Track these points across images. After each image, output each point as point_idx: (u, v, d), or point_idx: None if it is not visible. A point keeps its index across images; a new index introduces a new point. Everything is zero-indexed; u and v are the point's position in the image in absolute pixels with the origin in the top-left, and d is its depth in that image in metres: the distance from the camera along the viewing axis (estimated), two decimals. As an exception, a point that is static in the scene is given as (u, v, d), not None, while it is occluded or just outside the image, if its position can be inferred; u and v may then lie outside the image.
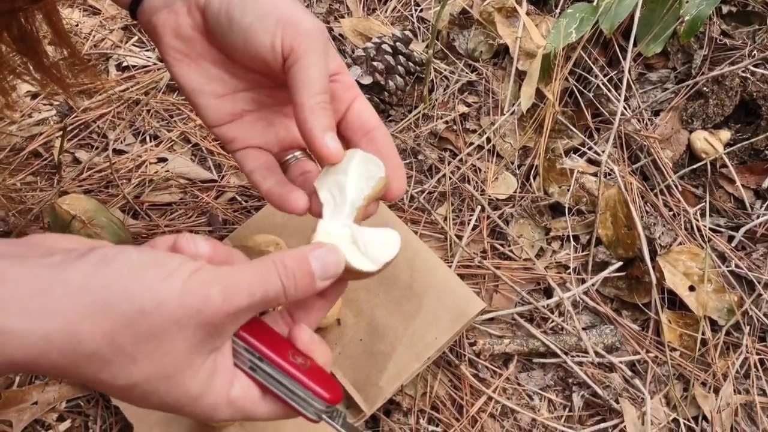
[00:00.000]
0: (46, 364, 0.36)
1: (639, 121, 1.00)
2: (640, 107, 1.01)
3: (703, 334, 0.84)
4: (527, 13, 1.07)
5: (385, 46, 1.06)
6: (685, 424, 0.80)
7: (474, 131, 1.03)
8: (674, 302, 0.88)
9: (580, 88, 1.03)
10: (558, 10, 1.09)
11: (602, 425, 0.80)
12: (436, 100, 1.06)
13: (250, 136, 0.56)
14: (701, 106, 1.00)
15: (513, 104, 1.02)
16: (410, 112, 1.06)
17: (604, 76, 1.02)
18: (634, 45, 1.00)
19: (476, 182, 0.97)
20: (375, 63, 1.04)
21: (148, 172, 0.96)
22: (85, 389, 0.76)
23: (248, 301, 0.40)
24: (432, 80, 1.07)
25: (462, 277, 0.86)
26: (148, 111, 1.03)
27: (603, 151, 0.94)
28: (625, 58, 1.00)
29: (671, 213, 0.94)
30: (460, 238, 0.92)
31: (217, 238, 0.89)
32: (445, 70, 1.09)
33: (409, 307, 0.78)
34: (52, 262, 0.38)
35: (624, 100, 0.97)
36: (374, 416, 0.78)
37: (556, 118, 0.99)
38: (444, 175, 0.98)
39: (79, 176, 0.94)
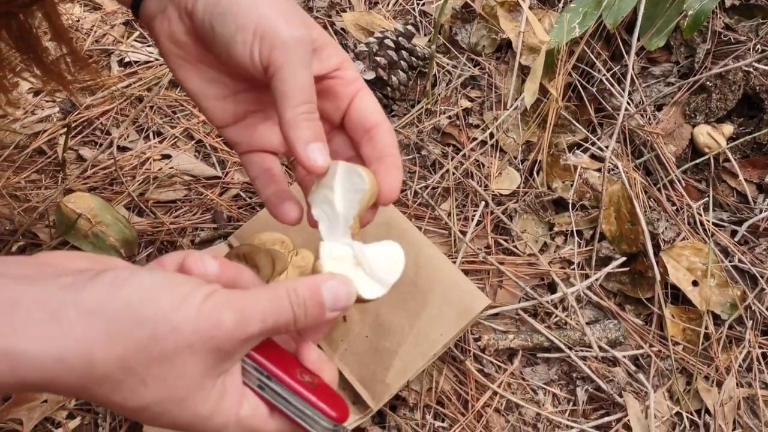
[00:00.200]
0: (59, 385, 0.37)
1: (642, 116, 1.00)
2: (643, 102, 1.01)
3: (706, 328, 0.85)
4: (530, 8, 1.07)
5: (387, 41, 1.06)
6: (688, 417, 0.81)
7: (477, 126, 1.03)
8: (677, 297, 0.89)
9: (583, 82, 1.03)
10: (561, 5, 1.09)
11: (606, 419, 0.81)
12: (439, 95, 1.06)
13: (254, 139, 0.56)
14: (704, 100, 1.00)
15: (516, 99, 1.02)
16: (413, 107, 1.06)
17: (608, 71, 1.02)
18: (637, 40, 1.00)
19: (480, 178, 0.97)
20: (378, 58, 1.04)
21: (152, 169, 0.96)
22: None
23: (260, 327, 0.41)
24: (434, 75, 1.07)
25: (466, 272, 0.87)
26: (151, 107, 1.03)
27: (607, 147, 0.94)
28: (628, 53, 1.00)
29: (674, 208, 0.94)
30: (464, 233, 0.92)
31: (222, 234, 0.89)
32: (447, 64, 1.09)
33: (415, 303, 0.79)
34: (64, 283, 0.38)
35: (627, 95, 0.97)
36: (380, 411, 0.78)
37: (559, 114, 0.99)
38: (447, 171, 0.98)
39: (83, 174, 0.94)
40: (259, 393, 0.44)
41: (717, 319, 0.87)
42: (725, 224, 0.94)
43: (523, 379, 0.84)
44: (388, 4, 1.19)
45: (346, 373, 0.77)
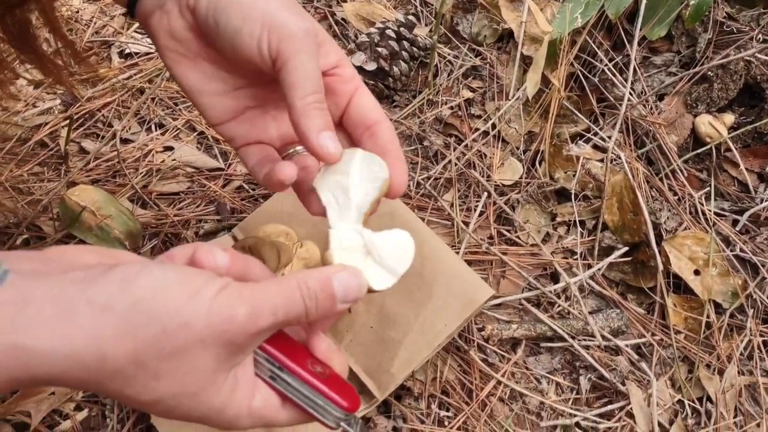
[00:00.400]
0: (70, 380, 0.37)
1: (644, 106, 1.00)
2: (645, 92, 1.01)
3: (707, 317, 0.86)
4: (532, -3, 1.07)
5: (389, 32, 1.05)
6: (690, 405, 0.82)
7: (479, 117, 1.03)
8: (679, 286, 0.89)
9: (585, 72, 1.03)
10: (562, -6, 1.09)
11: (609, 407, 0.81)
12: (441, 85, 1.06)
13: (251, 132, 0.55)
14: (705, 90, 1.00)
15: (518, 89, 1.03)
16: (414, 97, 1.06)
17: (609, 60, 1.02)
18: (639, 29, 1.00)
19: (482, 168, 0.98)
20: (379, 49, 1.04)
21: (154, 161, 0.96)
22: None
23: (272, 321, 0.41)
24: (436, 65, 1.07)
25: (469, 263, 0.87)
26: (153, 99, 1.03)
27: (609, 137, 0.95)
28: (629, 43, 1.00)
29: (676, 198, 0.94)
30: (467, 224, 0.93)
31: (225, 226, 0.90)
32: (448, 54, 1.09)
33: (419, 294, 0.79)
34: (74, 279, 0.38)
35: (630, 85, 0.97)
36: (386, 401, 0.79)
37: (561, 104, 0.99)
38: (450, 161, 0.98)
39: (86, 166, 0.94)
40: (271, 384, 0.45)
41: (718, 308, 0.88)
42: (726, 214, 0.95)
43: (527, 368, 0.84)
44: (388, -6, 1.19)
45: (352, 364, 0.77)
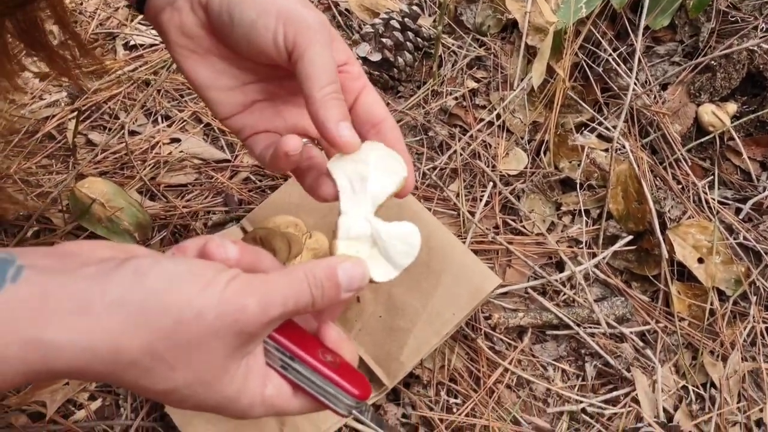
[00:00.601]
0: (88, 373, 0.38)
1: (648, 96, 1.01)
2: (649, 82, 1.01)
3: (711, 304, 0.87)
4: (535, -13, 1.07)
5: (393, 22, 1.06)
6: (694, 391, 0.83)
7: (483, 107, 1.04)
8: (683, 274, 0.90)
9: (589, 62, 1.04)
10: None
11: (614, 394, 0.83)
12: (445, 75, 1.06)
13: (259, 123, 0.56)
14: (709, 79, 1.01)
15: (522, 80, 1.03)
16: (419, 88, 1.06)
17: (614, 50, 1.03)
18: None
19: (487, 158, 0.98)
20: (384, 39, 1.04)
21: (162, 153, 0.97)
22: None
23: (281, 310, 0.42)
24: (440, 56, 1.08)
25: (475, 252, 0.88)
26: (158, 91, 1.03)
27: (614, 127, 0.95)
28: (633, 32, 1.00)
29: (680, 186, 0.95)
30: (472, 214, 0.93)
31: (233, 218, 0.90)
32: (452, 45, 1.10)
33: (427, 284, 0.80)
34: (88, 274, 0.39)
35: (635, 75, 0.98)
36: (395, 389, 0.80)
37: (565, 94, 1.00)
38: (455, 152, 0.99)
39: (94, 159, 0.94)
40: (282, 373, 0.45)
41: (722, 295, 0.89)
42: (729, 202, 0.96)
43: (533, 355, 0.85)
44: (392, -15, 1.19)
45: (361, 353, 0.78)
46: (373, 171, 0.50)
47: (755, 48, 0.98)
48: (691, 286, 0.89)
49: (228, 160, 0.97)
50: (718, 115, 0.99)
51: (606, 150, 0.96)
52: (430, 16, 1.15)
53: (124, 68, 1.05)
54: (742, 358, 0.85)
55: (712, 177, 0.97)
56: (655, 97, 1.01)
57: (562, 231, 0.94)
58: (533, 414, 0.82)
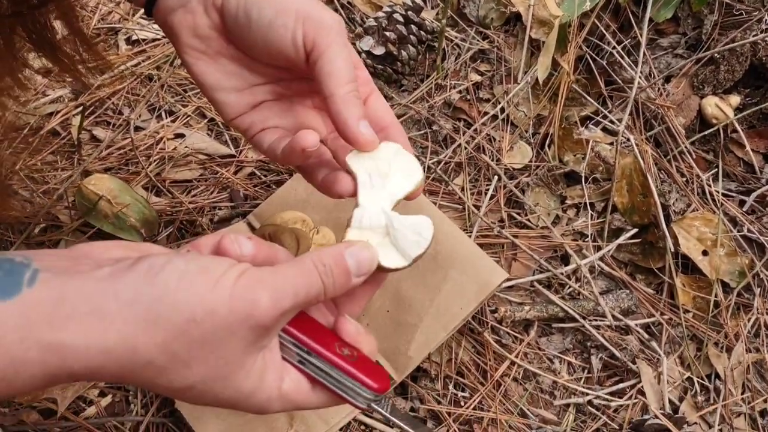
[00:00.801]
0: (105, 373, 0.38)
1: (653, 89, 1.01)
2: (653, 75, 1.02)
3: (715, 296, 0.87)
4: (539, -20, 1.07)
5: (396, 16, 1.05)
6: (699, 382, 0.84)
7: (487, 100, 1.04)
8: (687, 266, 0.91)
9: (593, 55, 1.04)
10: (570, -24, 1.08)
11: (620, 385, 0.84)
12: (449, 69, 1.06)
13: (267, 119, 0.56)
14: (712, 72, 1.01)
15: (526, 73, 1.03)
16: (422, 81, 1.06)
17: (618, 43, 1.03)
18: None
19: (491, 152, 0.99)
20: (387, 33, 1.04)
21: (166, 148, 0.96)
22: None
23: (293, 301, 0.42)
24: (443, 49, 1.07)
25: (481, 246, 0.88)
26: (162, 86, 1.03)
27: (619, 120, 0.95)
28: (637, 25, 1.00)
29: (684, 179, 0.96)
30: (477, 208, 0.94)
31: (239, 213, 0.90)
32: (456, 38, 1.09)
33: (434, 279, 0.80)
34: (102, 275, 0.39)
35: (640, 68, 0.98)
36: (403, 383, 0.81)
37: (570, 87, 1.00)
38: (459, 145, 0.99)
39: (99, 155, 0.94)
40: (300, 368, 0.45)
41: (726, 287, 0.89)
42: (733, 194, 0.96)
43: (540, 348, 0.86)
44: (394, -23, 1.18)
45: (369, 347, 0.79)
46: (394, 171, 0.50)
47: (758, 40, 0.98)
48: (696, 279, 0.90)
49: (233, 155, 0.97)
50: (721, 108, 0.99)
51: (611, 143, 0.96)
52: (433, 9, 1.14)
53: (127, 63, 1.05)
54: (746, 350, 0.86)
55: (716, 169, 0.98)
56: (659, 90, 1.01)
57: (567, 224, 0.95)
58: (540, 407, 0.83)
